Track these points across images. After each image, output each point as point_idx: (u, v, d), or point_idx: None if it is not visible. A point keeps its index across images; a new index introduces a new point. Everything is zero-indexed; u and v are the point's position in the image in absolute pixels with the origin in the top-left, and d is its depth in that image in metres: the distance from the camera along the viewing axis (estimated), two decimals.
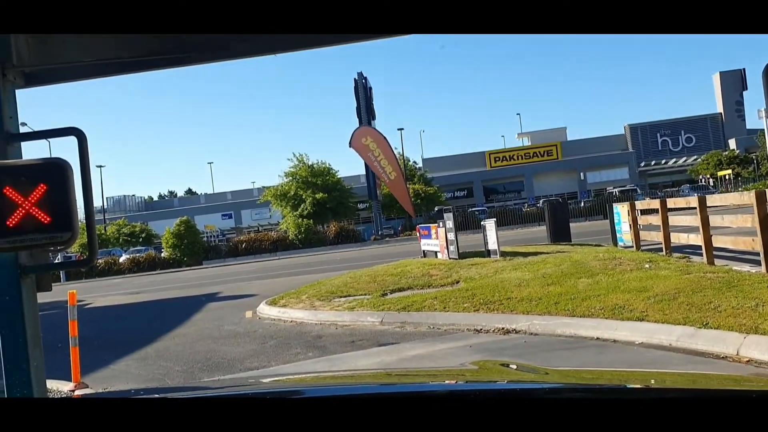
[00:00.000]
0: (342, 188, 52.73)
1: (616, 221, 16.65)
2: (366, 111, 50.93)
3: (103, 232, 58.13)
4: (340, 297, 12.74)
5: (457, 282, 12.48)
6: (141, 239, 58.57)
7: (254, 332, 11.15)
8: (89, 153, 1.54)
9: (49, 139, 1.74)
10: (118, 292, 25.26)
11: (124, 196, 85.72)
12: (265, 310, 13.12)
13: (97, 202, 69.32)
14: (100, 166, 69.96)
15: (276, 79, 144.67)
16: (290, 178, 51.98)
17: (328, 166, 52.88)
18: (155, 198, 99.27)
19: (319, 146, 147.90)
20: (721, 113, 69.24)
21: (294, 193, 50.73)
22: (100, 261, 43.22)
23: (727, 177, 56.62)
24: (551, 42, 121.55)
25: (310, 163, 52.33)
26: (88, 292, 25.37)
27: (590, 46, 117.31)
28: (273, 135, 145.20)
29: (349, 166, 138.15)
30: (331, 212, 50.53)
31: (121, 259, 45.64)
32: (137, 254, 47.35)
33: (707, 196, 11.79)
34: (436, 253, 17.19)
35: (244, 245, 46.23)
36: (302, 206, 49.97)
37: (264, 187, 57.00)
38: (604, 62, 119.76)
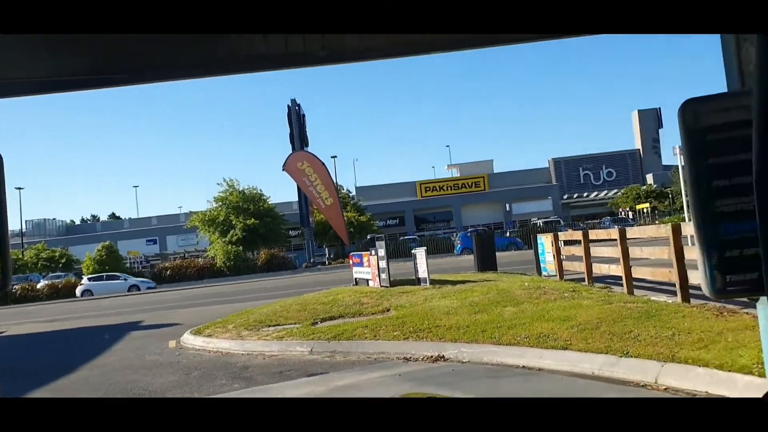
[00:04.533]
0: (274, 214, 52.24)
1: (540, 251, 17.11)
2: (299, 138, 50.91)
3: (20, 256, 55.40)
4: (269, 326, 12.53)
5: (388, 310, 12.51)
6: (61, 264, 56.09)
7: (177, 363, 10.81)
8: (5, 175, 1.48)
9: None
10: (36, 319, 24.03)
11: (45, 219, 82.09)
12: (190, 339, 12.76)
13: (15, 225, 66.16)
14: (19, 188, 66.99)
15: (206, 103, 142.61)
16: (220, 203, 51.12)
17: (259, 191, 52.37)
18: (77, 222, 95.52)
19: (250, 172, 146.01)
20: (639, 149, 72.58)
21: (223, 219, 49.88)
22: (16, 287, 41.13)
23: (645, 210, 59.22)
24: (480, 76, 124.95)
25: (241, 188, 51.67)
26: (1, 319, 24.03)
27: (515, 82, 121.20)
28: (202, 160, 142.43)
29: (280, 192, 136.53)
30: (262, 239, 49.89)
31: (39, 285, 43.58)
32: (56, 280, 45.33)
33: (627, 229, 12.30)
34: (367, 281, 17.20)
35: (169, 272, 45.06)
36: (231, 232, 49.17)
37: (191, 212, 55.81)
38: (529, 98, 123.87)
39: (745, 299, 0.97)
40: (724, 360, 5.98)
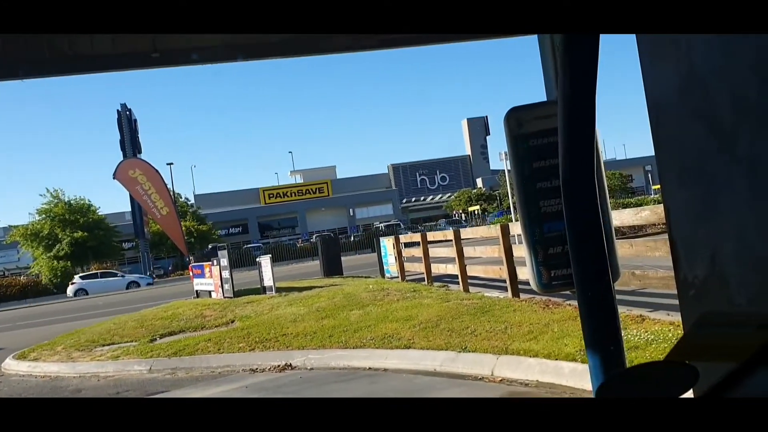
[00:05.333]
0: (105, 226, 49.09)
1: (383, 254, 17.54)
2: (131, 144, 48.30)
3: None
4: (103, 345, 11.75)
5: (232, 321, 12.21)
6: None
7: None
8: None
9: None
10: None
11: None
12: (13, 365, 11.63)
13: None
14: None
15: (23, 107, 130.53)
16: (44, 215, 47.16)
17: (88, 202, 48.98)
18: None
19: (77, 182, 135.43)
20: (469, 155, 76.85)
21: (48, 233, 46.07)
22: None
23: (476, 212, 62.78)
24: (321, 83, 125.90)
25: (67, 199, 47.98)
26: None
27: (355, 90, 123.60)
28: (22, 168, 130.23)
29: (112, 203, 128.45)
30: (93, 252, 46.65)
31: None
32: None
33: (461, 230, 12.96)
34: (210, 292, 16.67)
35: None
36: (58, 247, 45.54)
37: (11, 226, 50.93)
38: (369, 105, 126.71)
39: (568, 292, 1.06)
40: (551, 350, 6.47)
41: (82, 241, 45.79)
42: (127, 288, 38.51)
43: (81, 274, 41.85)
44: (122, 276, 40.76)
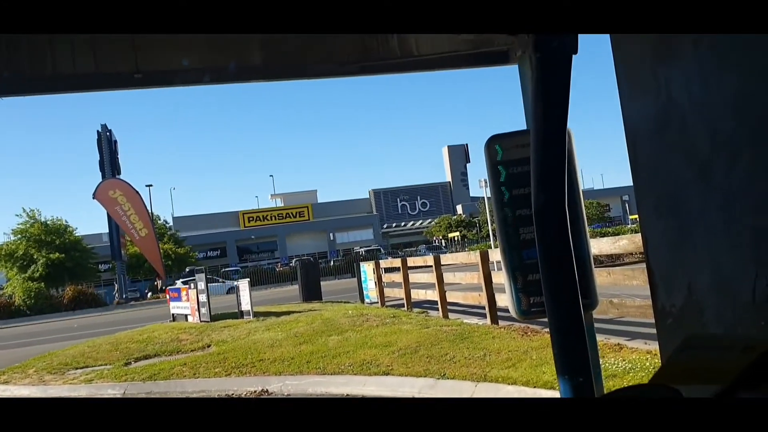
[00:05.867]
0: (82, 248, 48.40)
1: (363, 279, 17.47)
2: (110, 165, 47.88)
3: None
4: (76, 369, 11.52)
5: (209, 346, 12.05)
6: None
7: None
8: None
9: None
10: None
11: None
12: None
13: None
14: None
15: (1, 126, 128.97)
16: (19, 236, 46.46)
17: (65, 223, 48.36)
18: None
19: (54, 202, 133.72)
20: (449, 182, 77.29)
21: (23, 253, 45.34)
22: None
23: (455, 238, 62.94)
24: (301, 107, 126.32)
25: (43, 219, 47.35)
26: None
27: (337, 115, 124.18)
28: None
29: (89, 224, 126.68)
30: (69, 274, 45.93)
31: None
32: None
33: (441, 256, 12.97)
34: (186, 316, 16.47)
35: None
36: (33, 267, 44.79)
37: None
38: (351, 131, 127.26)
39: (546, 319, 1.05)
40: (529, 377, 6.46)
41: (58, 263, 45.13)
42: (227, 293, 39.18)
43: (182, 279, 42.48)
44: (222, 282, 42.33)
